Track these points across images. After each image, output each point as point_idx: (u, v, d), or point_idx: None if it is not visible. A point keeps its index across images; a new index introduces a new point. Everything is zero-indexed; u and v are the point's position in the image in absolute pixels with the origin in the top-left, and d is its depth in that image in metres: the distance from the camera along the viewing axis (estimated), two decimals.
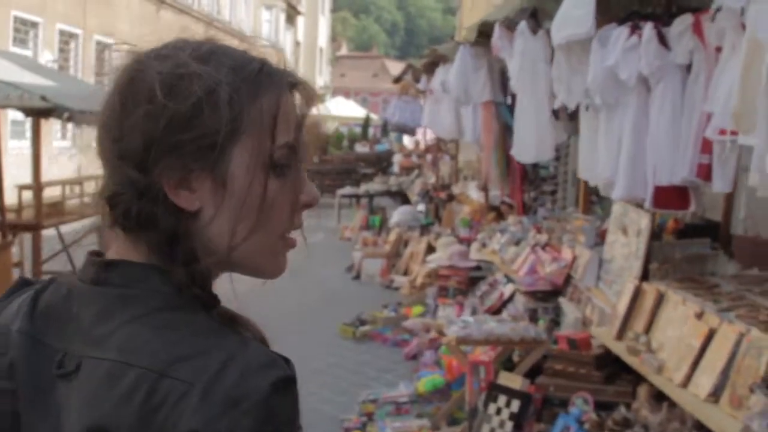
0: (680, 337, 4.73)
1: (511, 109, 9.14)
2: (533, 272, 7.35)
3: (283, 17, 43.69)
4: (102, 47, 25.53)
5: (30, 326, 1.28)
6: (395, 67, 76.31)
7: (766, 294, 5.04)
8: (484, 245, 9.36)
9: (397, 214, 14.55)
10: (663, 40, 4.95)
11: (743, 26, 4.12)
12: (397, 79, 18.21)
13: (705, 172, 4.72)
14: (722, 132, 4.36)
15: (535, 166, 9.42)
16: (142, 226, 1.21)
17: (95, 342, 1.19)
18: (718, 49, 4.62)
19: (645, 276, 5.67)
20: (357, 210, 18.46)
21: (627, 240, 6.00)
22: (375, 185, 19.57)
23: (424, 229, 13.26)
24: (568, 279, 6.93)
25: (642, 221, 5.75)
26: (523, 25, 6.58)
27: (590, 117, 5.65)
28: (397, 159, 24.10)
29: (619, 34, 5.19)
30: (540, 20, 6.62)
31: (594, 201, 9.03)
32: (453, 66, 9.47)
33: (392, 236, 13.86)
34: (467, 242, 10.72)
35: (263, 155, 1.23)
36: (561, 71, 5.71)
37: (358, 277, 13.15)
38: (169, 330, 1.17)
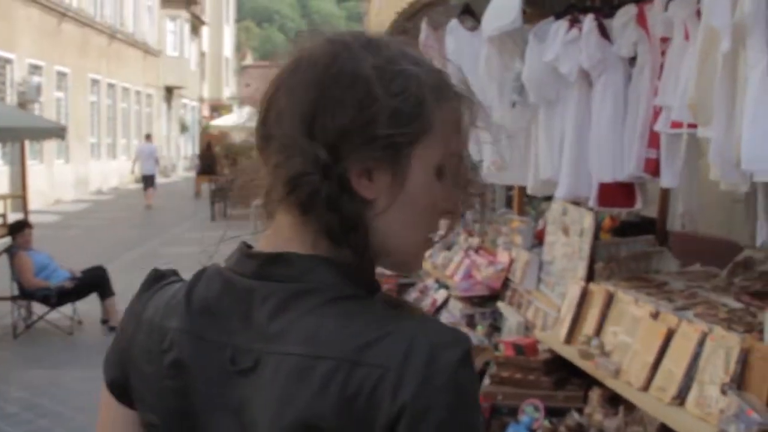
0: (636, 339, 4.56)
1: None
2: (469, 277, 7.16)
3: (187, 28, 43.03)
4: (3, 62, 24.79)
5: (190, 324, 1.30)
6: None
7: (718, 290, 4.92)
8: None
9: None
10: (604, 33, 4.80)
11: (699, 15, 3.97)
12: None
13: (652, 167, 4.57)
14: (676, 124, 4.21)
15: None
16: (326, 208, 1.23)
17: (273, 337, 1.21)
18: (664, 40, 4.48)
19: (590, 276, 5.51)
20: None
21: (568, 240, 5.84)
22: None
23: None
24: (506, 282, 6.76)
25: (584, 220, 5.60)
26: (454, 23, 6.38)
27: (523, 114, 5.46)
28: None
29: (558, 27, 5.01)
30: (476, 16, 6.44)
31: (525, 201, 8.92)
32: None
33: None
34: None
35: (438, 159, 1.28)
36: (491, 66, 5.51)
37: None
38: (350, 319, 1.19)
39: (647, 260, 5.70)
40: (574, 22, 5.00)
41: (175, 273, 1.46)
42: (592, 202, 4.94)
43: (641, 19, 4.61)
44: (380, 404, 1.13)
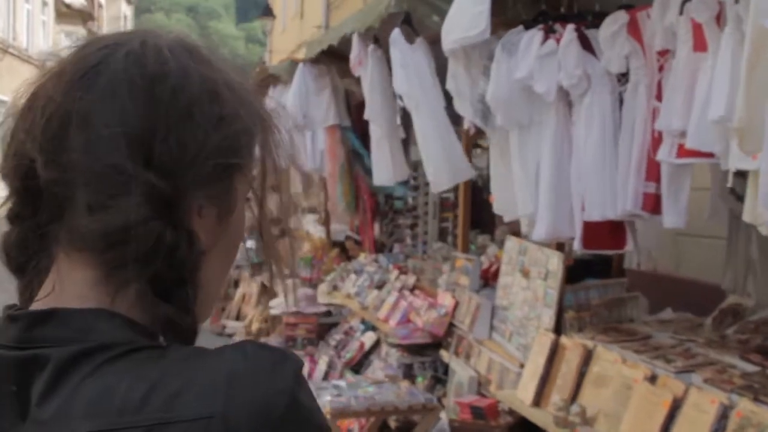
0: (630, 407, 3.83)
1: (358, 133, 8.26)
2: (407, 321, 6.36)
3: None
4: None
5: None
6: None
7: (713, 345, 4.23)
8: (335, 287, 8.31)
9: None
10: (587, 45, 4.09)
11: (718, 21, 3.28)
12: None
13: (652, 203, 3.87)
14: (687, 153, 3.51)
15: (389, 196, 8.47)
16: (165, 259, 0.96)
17: (55, 420, 0.90)
18: (662, 54, 3.79)
19: (557, 327, 4.77)
20: None
21: (528, 283, 5.10)
22: None
23: (256, 267, 12.05)
24: (450, 329, 5.97)
25: (550, 262, 4.86)
26: (396, 34, 5.59)
27: (499, 139, 4.70)
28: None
29: (531, 39, 4.27)
30: (415, 27, 5.65)
31: (457, 234, 8.19)
32: (291, 87, 8.41)
33: (241, 290, 12.62)
34: (309, 282, 9.66)
35: (251, 189, 1.11)
36: (459, 84, 4.72)
37: None
38: (145, 371, 0.91)
39: (620, 307, 4.99)
40: (549, 32, 4.27)
41: None
42: (576, 244, 4.19)
43: (633, 29, 3.91)
44: None
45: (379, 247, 8.62)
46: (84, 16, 40.07)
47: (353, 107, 8.39)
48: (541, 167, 4.31)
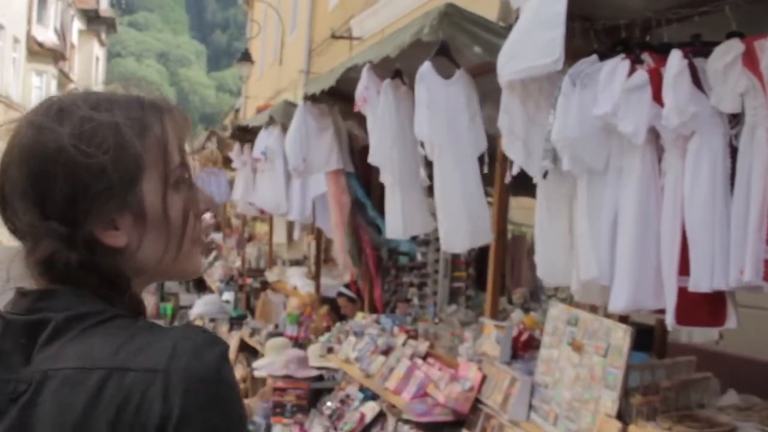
0: None
1: (361, 180, 7.55)
2: (423, 395, 5.57)
3: (54, 84, 40.65)
4: None
5: None
6: None
7: None
8: (330, 350, 7.52)
9: (200, 305, 12.43)
10: (696, 78, 3.38)
11: None
12: (199, 149, 16.12)
13: None
14: None
15: (393, 251, 7.72)
16: (84, 273, 1.35)
17: (50, 360, 1.30)
18: None
19: (620, 412, 4.03)
20: (145, 296, 16.22)
21: (581, 359, 4.35)
22: None
23: (234, 322, 11.22)
24: (475, 405, 5.21)
25: (613, 335, 4.12)
26: (426, 68, 4.89)
27: (552, 187, 3.97)
28: None
29: (614, 69, 3.57)
30: (454, 58, 4.95)
31: (470, 295, 7.45)
32: (290, 129, 7.68)
33: None
34: (295, 341, 8.87)
35: (165, 179, 1.40)
36: (514, 122, 4.00)
37: None
38: (118, 334, 1.31)
39: (690, 390, 4.26)
40: (636, 62, 3.57)
41: None
42: (669, 319, 3.45)
43: (750, 61, 3.22)
44: (151, 406, 1.23)
45: (381, 307, 7.85)
46: (56, 56, 39.36)
47: (357, 152, 7.69)
48: (622, 223, 3.59)
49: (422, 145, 5.12)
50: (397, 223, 5.69)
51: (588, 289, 3.88)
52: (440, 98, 4.85)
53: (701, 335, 5.35)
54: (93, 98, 1.41)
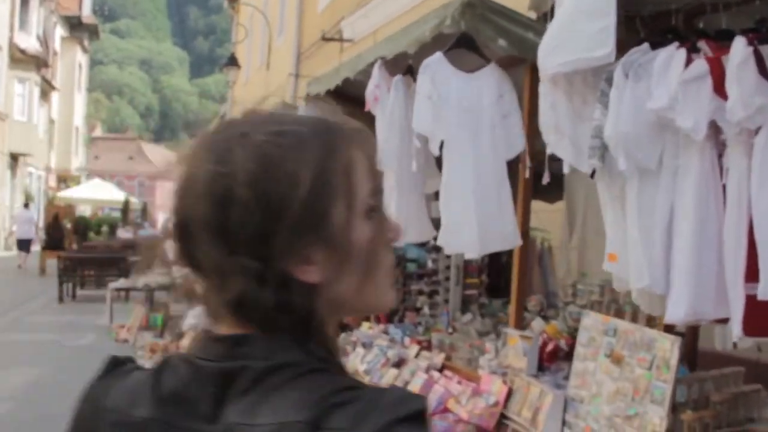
0: None
1: None
2: (443, 410, 5.26)
3: (37, 92, 40.16)
4: None
5: (159, 412, 1.27)
6: (152, 150, 74.21)
7: None
8: None
9: (193, 315, 12.05)
10: (762, 67, 3.09)
11: None
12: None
13: None
14: None
15: (400, 258, 7.42)
16: (279, 314, 1.22)
17: (243, 413, 1.19)
18: None
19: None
20: (134, 306, 15.89)
21: (621, 372, 4.06)
22: (155, 277, 16.75)
23: None
24: (500, 420, 4.91)
25: (659, 347, 3.82)
26: (435, 58, 4.61)
27: (602, 187, 3.67)
28: (172, 245, 21.42)
29: (670, 59, 3.29)
30: (482, 51, 4.66)
31: (484, 303, 7.14)
32: None
33: (187, 341, 11.42)
34: None
35: (357, 207, 1.26)
36: (560, 118, 3.69)
37: None
38: (314, 389, 1.19)
39: (740, 404, 3.97)
40: (692, 51, 3.29)
41: (131, 360, 1.41)
42: (736, 329, 3.16)
43: None
44: None
45: (387, 317, 7.54)
46: (38, 63, 38.96)
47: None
48: (678, 226, 3.31)
49: (419, 138, 4.87)
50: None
51: (645, 298, 3.59)
52: (453, 91, 4.57)
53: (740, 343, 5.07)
54: (276, 121, 1.28)
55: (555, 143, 3.74)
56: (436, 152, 4.67)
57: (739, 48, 3.08)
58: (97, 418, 1.33)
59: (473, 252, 5.02)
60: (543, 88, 3.75)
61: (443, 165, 4.68)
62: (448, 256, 6.96)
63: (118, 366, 1.37)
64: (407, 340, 6.54)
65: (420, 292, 7.31)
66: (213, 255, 1.21)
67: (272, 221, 1.19)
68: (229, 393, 1.21)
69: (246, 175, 1.20)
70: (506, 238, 4.76)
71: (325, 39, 16.45)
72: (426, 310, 7.15)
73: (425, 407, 1.16)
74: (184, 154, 1.28)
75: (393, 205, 5.42)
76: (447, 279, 7.05)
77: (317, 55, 17.69)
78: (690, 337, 5.02)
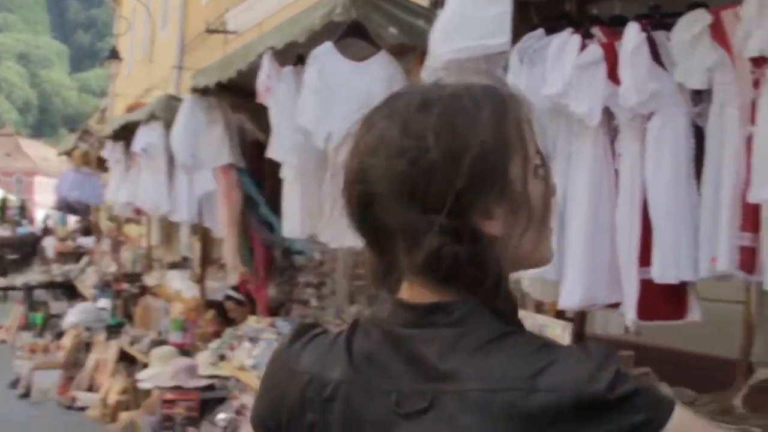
0: None
1: (254, 177, 7.14)
2: None
3: None
4: None
5: (354, 373, 1.36)
6: (31, 146, 72.15)
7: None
8: (222, 357, 7.08)
9: (74, 313, 11.70)
10: (655, 53, 3.11)
11: None
12: (71, 150, 15.22)
13: (748, 260, 2.91)
14: None
15: (287, 251, 7.33)
16: (471, 268, 1.29)
17: (445, 377, 1.27)
18: (759, 63, 2.86)
19: None
20: (12, 305, 15.46)
21: None
22: (35, 275, 16.34)
23: (112, 330, 10.61)
24: None
25: (550, 332, 3.80)
26: (324, 49, 4.56)
27: None
28: (50, 243, 20.85)
29: (564, 45, 3.29)
30: (373, 39, 4.61)
31: (373, 293, 7.10)
32: (176, 123, 7.23)
33: (68, 340, 11.12)
34: (180, 349, 8.38)
35: (528, 164, 1.34)
36: None
37: (27, 395, 10.26)
38: (514, 353, 1.26)
39: None
40: (586, 37, 3.29)
41: (318, 325, 1.51)
42: (630, 314, 3.18)
43: (718, 33, 2.97)
44: (560, 423, 1.21)
45: (273, 311, 7.45)
46: None
47: (247, 146, 7.28)
48: (571, 212, 3.30)
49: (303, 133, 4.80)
50: (295, 221, 5.30)
51: (538, 285, 3.59)
52: (342, 82, 4.51)
53: (618, 326, 5.13)
54: (449, 88, 1.36)
55: None
56: (320, 146, 4.60)
57: (633, 34, 3.09)
58: (291, 381, 1.43)
59: (355, 243, 4.97)
60: (427, 74, 3.72)
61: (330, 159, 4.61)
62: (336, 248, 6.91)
63: (307, 331, 1.49)
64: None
65: (308, 285, 7.25)
66: (406, 217, 1.29)
67: (461, 179, 1.27)
68: (425, 357, 1.30)
69: (434, 138, 1.28)
70: None
71: (209, 31, 16.21)
72: (314, 302, 7.09)
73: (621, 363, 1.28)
74: (356, 131, 1.38)
75: (291, 198, 5.33)
76: (334, 271, 7.00)
77: (201, 47, 17.42)
78: (578, 322, 5.06)
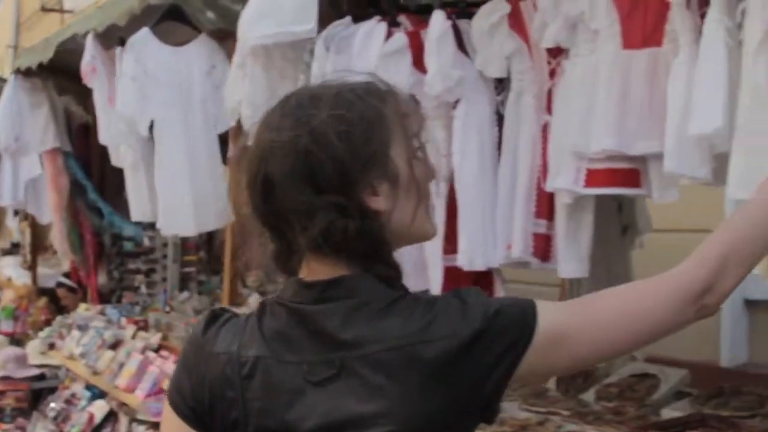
0: None
1: (81, 161, 6.97)
2: (158, 392, 5.13)
3: None
4: None
5: (268, 350, 1.53)
6: None
7: (589, 419, 3.45)
8: (51, 346, 6.92)
9: None
10: (460, 41, 3.17)
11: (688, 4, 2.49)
12: None
13: (543, 247, 2.99)
14: (607, 181, 2.69)
15: (117, 237, 7.20)
16: (359, 240, 1.49)
17: (349, 345, 1.47)
18: (555, 54, 2.95)
19: None
20: None
21: None
22: None
23: None
24: None
25: None
26: (140, 35, 4.51)
27: None
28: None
29: (371, 33, 3.31)
30: (193, 23, 4.55)
31: (202, 280, 7.04)
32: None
33: None
34: (11, 338, 8.16)
35: (408, 147, 1.56)
36: (257, 92, 3.64)
37: None
38: (405, 313, 1.48)
39: None
40: (392, 25, 3.33)
41: (228, 310, 1.68)
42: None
43: (516, 22, 3.04)
44: (461, 357, 1.44)
45: (105, 297, 7.31)
46: None
47: (74, 130, 7.11)
48: None
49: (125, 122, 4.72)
50: (144, 204, 5.14)
51: None
52: (161, 67, 4.48)
53: None
54: (334, 84, 1.57)
55: (250, 117, 3.68)
56: (144, 133, 4.53)
57: (438, 22, 3.12)
58: (209, 364, 1.57)
59: (188, 231, 4.93)
60: (239, 60, 3.70)
61: (155, 146, 4.55)
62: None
63: (218, 317, 1.64)
64: (124, 320, 6.37)
65: (137, 271, 7.14)
66: (303, 198, 1.48)
67: (349, 160, 1.47)
68: (327, 329, 1.48)
69: (323, 126, 1.48)
70: (220, 215, 4.68)
71: (45, 10, 15.69)
72: (143, 289, 6.99)
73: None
74: (258, 126, 1.59)
75: (135, 181, 5.20)
76: (165, 257, 6.91)
77: (38, 26, 16.82)
78: None
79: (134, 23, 4.70)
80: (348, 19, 3.46)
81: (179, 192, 4.52)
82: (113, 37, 5.16)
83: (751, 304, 4.81)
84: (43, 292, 8.58)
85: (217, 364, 1.56)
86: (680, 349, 4.70)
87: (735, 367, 4.77)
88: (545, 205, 2.96)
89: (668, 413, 3.43)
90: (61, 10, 15.23)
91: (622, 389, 3.73)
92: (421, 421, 1.43)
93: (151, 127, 4.62)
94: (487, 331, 1.44)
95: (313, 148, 1.48)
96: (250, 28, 3.49)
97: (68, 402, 6.50)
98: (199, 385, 1.58)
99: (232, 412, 1.54)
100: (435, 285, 3.22)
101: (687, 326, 1.57)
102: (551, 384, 3.94)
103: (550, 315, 1.49)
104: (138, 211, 5.11)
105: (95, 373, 5.94)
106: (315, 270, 1.53)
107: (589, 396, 3.76)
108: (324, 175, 1.48)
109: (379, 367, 1.43)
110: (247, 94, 3.65)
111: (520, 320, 1.47)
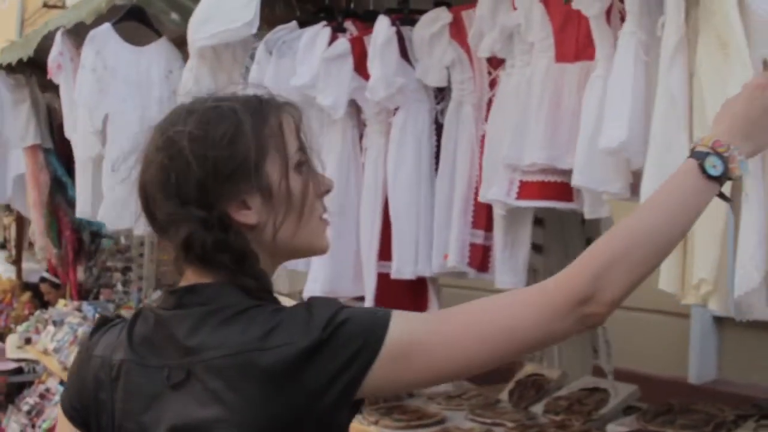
0: None
1: (62, 158, 6.95)
2: None
3: None
4: None
5: (133, 355, 1.58)
6: None
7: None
8: (28, 341, 6.92)
9: None
10: (403, 49, 3.14)
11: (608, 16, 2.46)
12: None
13: (479, 258, 2.96)
14: (540, 194, 2.66)
15: (96, 234, 7.20)
16: (218, 252, 1.50)
17: (194, 351, 1.48)
18: (495, 64, 2.92)
19: None
20: None
21: None
22: None
23: None
24: None
25: None
26: (101, 30, 4.51)
27: None
28: None
29: (314, 37, 3.29)
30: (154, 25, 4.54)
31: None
32: None
33: None
34: None
35: (285, 161, 1.54)
36: (201, 91, 3.63)
37: None
38: (251, 321, 1.47)
39: None
40: (338, 31, 3.31)
41: (119, 316, 1.75)
42: (369, 305, 3.22)
43: (458, 32, 3.01)
44: (299, 365, 1.43)
45: (83, 294, 7.31)
46: None
47: (56, 127, 7.10)
48: None
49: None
50: (87, 202, 5.15)
51: (285, 274, 3.61)
52: (120, 64, 4.46)
53: None
54: (213, 99, 1.58)
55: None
56: (97, 126, 4.51)
57: (383, 28, 3.09)
58: (88, 366, 1.63)
59: (138, 230, 4.91)
60: (189, 63, 3.69)
61: (107, 139, 4.53)
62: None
63: (106, 322, 1.70)
64: (97, 317, 6.35)
65: (114, 269, 7.13)
66: (168, 209, 1.52)
67: (211, 174, 1.48)
68: (177, 335, 1.50)
69: (187, 141, 1.49)
70: None
71: (48, 6, 15.73)
72: (119, 287, 6.99)
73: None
74: (149, 134, 1.59)
75: (83, 177, 5.19)
76: (141, 255, 6.90)
77: (41, 22, 16.88)
78: None
79: (100, 21, 4.70)
80: (294, 23, 3.46)
81: (127, 186, 4.49)
82: (83, 35, 5.17)
83: (720, 321, 4.78)
84: (27, 286, 8.60)
85: (93, 367, 1.61)
86: (647, 365, 4.69)
87: (703, 384, 4.74)
88: (483, 215, 2.94)
89: (613, 428, 3.39)
90: (64, 7, 15.27)
91: (571, 402, 3.69)
92: (260, 427, 1.44)
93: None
94: (329, 340, 1.42)
95: (173, 164, 1.50)
96: (197, 30, 3.48)
97: (42, 396, 6.51)
98: (80, 388, 1.64)
99: (103, 414, 1.59)
100: (369, 290, 3.20)
101: (570, 335, 1.50)
102: (504, 395, 3.92)
103: (404, 325, 1.45)
104: (80, 208, 5.12)
105: (66, 368, 5.94)
106: (187, 277, 1.56)
107: (538, 408, 3.73)
108: (185, 188, 1.49)
109: (217, 373, 1.44)
110: (193, 95, 3.64)
111: (368, 330, 1.44)
